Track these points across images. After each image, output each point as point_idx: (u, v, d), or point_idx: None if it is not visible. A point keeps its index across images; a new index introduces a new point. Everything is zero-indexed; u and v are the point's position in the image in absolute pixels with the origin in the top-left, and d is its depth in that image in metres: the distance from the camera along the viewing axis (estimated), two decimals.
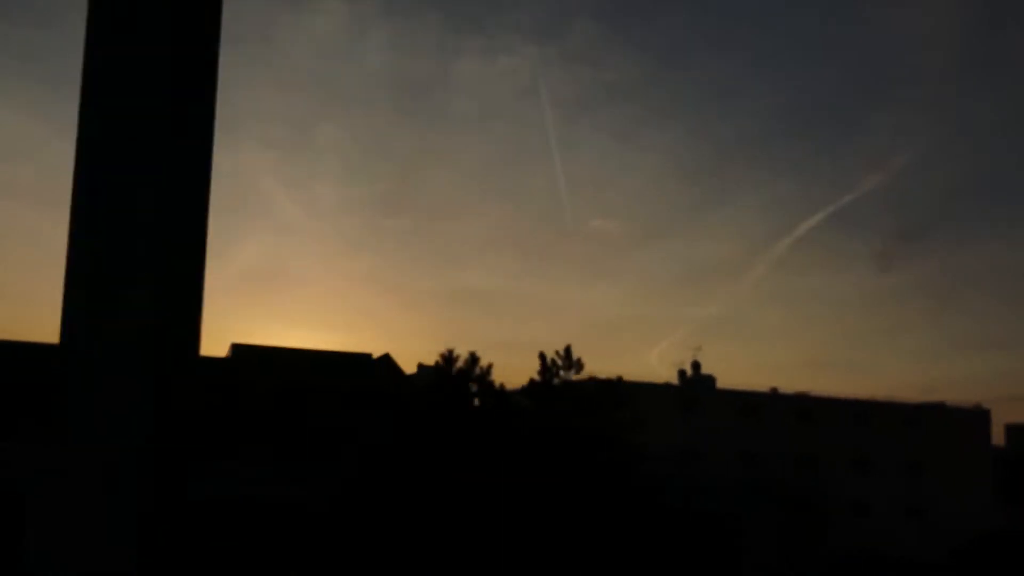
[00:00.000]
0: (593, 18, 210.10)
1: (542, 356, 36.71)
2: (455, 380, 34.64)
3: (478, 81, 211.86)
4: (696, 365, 57.66)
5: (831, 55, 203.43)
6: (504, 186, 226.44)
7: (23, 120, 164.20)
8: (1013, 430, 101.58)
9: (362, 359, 40.87)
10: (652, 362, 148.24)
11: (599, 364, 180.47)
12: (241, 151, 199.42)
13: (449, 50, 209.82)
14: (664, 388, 55.07)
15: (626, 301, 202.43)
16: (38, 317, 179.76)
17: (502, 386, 36.34)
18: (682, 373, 58.23)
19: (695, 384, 57.22)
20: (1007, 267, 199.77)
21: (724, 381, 58.69)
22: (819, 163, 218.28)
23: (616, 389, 36.68)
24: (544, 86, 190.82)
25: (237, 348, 39.63)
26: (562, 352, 37.32)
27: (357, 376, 39.22)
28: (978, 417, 61.54)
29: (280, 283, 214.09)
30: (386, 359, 42.03)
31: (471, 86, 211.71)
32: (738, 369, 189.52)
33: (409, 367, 56.50)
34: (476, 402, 35.55)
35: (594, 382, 37.35)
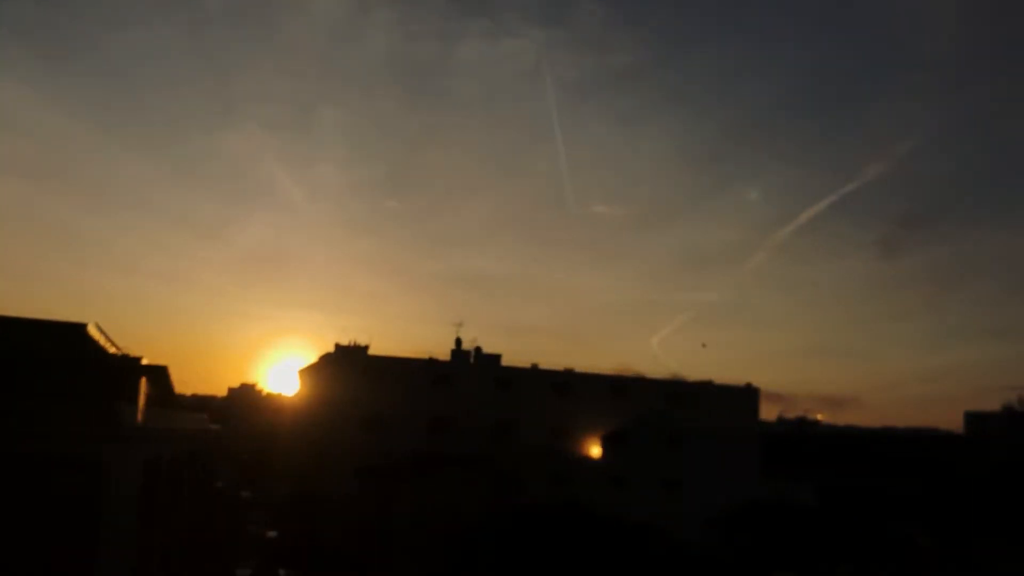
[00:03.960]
0: (598, 1, 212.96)
1: None
2: None
3: (482, 63, 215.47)
4: (458, 342, 61.78)
5: (833, 43, 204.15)
6: (507, 169, 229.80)
7: (20, 93, 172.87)
8: (971, 417, 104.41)
9: (75, 329, 45.77)
10: (653, 347, 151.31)
11: (598, 349, 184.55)
12: (243, 133, 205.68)
13: (453, 32, 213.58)
14: (422, 363, 59.18)
15: (628, 286, 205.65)
16: (35, 290, 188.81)
17: None
18: (454, 351, 62.30)
19: (460, 361, 61.26)
20: (1010, 255, 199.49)
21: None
22: (821, 151, 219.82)
23: None
24: (548, 69, 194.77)
25: None
26: None
27: (63, 348, 44.20)
28: (746, 395, 64.47)
29: (282, 264, 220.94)
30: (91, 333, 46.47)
31: (475, 68, 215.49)
32: (737, 355, 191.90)
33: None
34: None
35: None
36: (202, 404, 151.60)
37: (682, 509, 58.77)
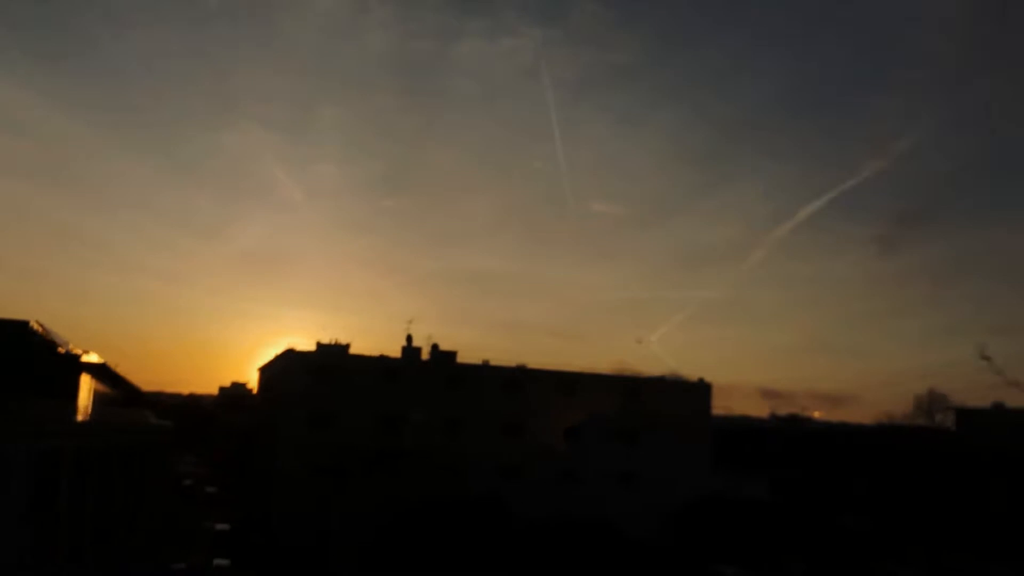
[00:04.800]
0: (597, 0, 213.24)
1: None
2: None
3: (480, 62, 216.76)
4: (409, 339, 62.44)
5: (833, 40, 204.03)
6: (505, 167, 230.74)
7: (20, 93, 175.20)
8: (963, 413, 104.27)
9: (16, 326, 46.92)
10: (652, 344, 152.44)
11: (598, 346, 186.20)
12: (242, 131, 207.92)
13: (451, 30, 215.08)
14: (372, 360, 59.89)
15: (627, 283, 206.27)
16: (35, 290, 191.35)
17: None
18: (404, 348, 62.99)
19: (410, 358, 61.91)
20: (1008, 252, 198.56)
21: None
22: (821, 148, 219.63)
23: None
24: (546, 67, 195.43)
25: None
26: None
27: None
28: (699, 390, 64.78)
29: (281, 263, 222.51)
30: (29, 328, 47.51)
31: (473, 67, 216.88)
32: (736, 352, 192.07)
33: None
34: None
35: None
36: (196, 403, 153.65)
37: (634, 503, 59.42)
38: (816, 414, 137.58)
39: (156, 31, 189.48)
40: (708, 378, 66.74)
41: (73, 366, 47.51)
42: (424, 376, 59.91)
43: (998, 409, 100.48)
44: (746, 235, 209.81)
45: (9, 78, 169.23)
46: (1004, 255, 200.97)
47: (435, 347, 64.68)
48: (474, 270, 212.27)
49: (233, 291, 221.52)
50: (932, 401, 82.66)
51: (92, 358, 49.15)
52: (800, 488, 66.22)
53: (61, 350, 47.39)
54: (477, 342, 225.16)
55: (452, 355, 63.84)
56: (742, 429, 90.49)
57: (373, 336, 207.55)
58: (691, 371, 67.23)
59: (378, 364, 58.94)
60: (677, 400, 63.72)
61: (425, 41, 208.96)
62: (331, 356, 58.23)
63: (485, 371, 61.41)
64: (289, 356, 57.62)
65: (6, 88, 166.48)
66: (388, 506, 51.48)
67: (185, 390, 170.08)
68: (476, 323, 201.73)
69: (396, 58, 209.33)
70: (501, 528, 52.02)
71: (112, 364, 53.27)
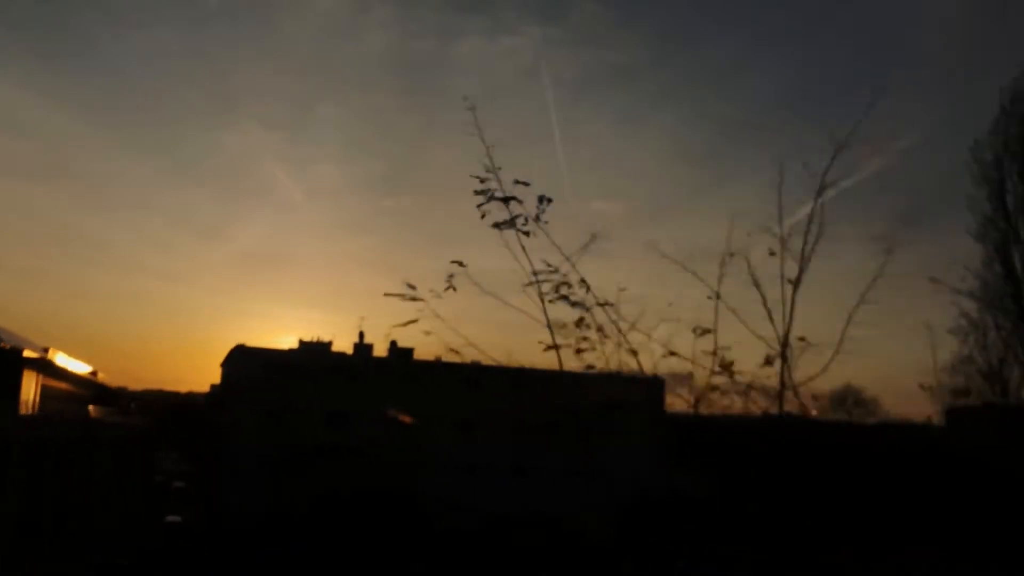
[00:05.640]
0: None
1: None
2: None
3: (480, 61, 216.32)
4: (361, 335, 63.19)
5: (832, 39, 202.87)
6: (505, 167, 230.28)
7: (20, 93, 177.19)
8: (953, 412, 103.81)
9: None
10: (652, 344, 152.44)
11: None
12: (242, 131, 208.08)
13: (451, 29, 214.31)
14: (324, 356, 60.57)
15: (626, 283, 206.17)
16: (35, 290, 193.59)
17: None
18: (356, 344, 63.70)
19: (363, 355, 62.57)
20: None
21: None
22: (819, 147, 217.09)
23: None
24: (546, 67, 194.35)
25: None
26: None
27: None
28: (652, 385, 64.51)
29: (280, 263, 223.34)
30: None
31: (473, 66, 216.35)
32: (735, 351, 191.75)
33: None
34: None
35: None
36: (189, 400, 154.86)
37: (584, 499, 59.39)
38: (813, 412, 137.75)
39: (156, 31, 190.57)
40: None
41: (15, 362, 48.06)
42: (379, 373, 60.39)
43: (989, 407, 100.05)
44: (745, 234, 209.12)
45: (9, 78, 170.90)
46: None
47: (393, 344, 65.18)
48: (474, 269, 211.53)
49: (233, 291, 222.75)
50: (847, 395, 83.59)
51: (60, 357, 49.72)
52: (775, 485, 65.82)
53: (4, 346, 48.02)
54: (477, 342, 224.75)
55: (409, 352, 64.26)
56: (737, 428, 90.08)
57: (372, 336, 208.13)
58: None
59: (331, 360, 59.53)
60: (631, 395, 63.39)
61: (425, 41, 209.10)
62: (282, 352, 58.80)
63: (441, 368, 61.69)
64: (239, 352, 58.20)
65: (6, 88, 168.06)
66: (334, 502, 51.96)
67: (184, 388, 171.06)
68: (476, 323, 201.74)
69: (396, 58, 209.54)
70: (446, 524, 52.38)
71: (88, 363, 54.05)
